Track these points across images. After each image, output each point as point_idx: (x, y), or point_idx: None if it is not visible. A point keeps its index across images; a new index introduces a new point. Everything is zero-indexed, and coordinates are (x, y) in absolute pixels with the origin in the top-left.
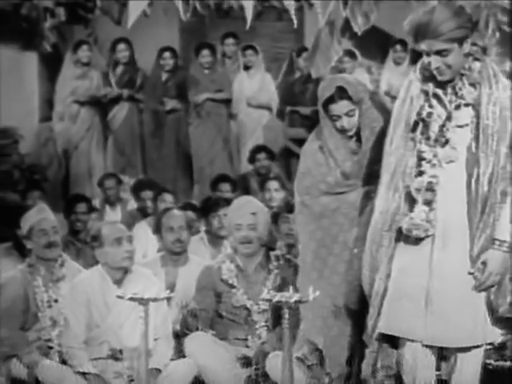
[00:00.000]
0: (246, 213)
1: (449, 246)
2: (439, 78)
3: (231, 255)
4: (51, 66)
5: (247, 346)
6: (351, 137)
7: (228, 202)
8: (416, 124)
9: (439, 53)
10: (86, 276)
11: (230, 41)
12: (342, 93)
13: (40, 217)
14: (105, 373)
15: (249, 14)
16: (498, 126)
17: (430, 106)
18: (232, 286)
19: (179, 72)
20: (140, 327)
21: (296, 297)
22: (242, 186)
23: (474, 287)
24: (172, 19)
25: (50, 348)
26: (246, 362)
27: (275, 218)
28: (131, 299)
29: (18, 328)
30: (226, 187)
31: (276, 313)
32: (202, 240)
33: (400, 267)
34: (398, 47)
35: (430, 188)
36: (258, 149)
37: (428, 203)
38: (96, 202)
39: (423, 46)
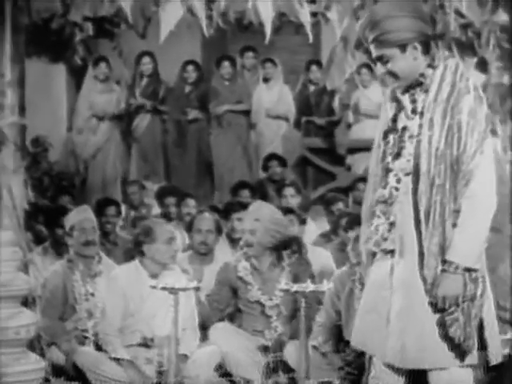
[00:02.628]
0: (250, 218)
1: (404, 261)
2: (383, 86)
3: (246, 254)
4: (78, 78)
5: (265, 337)
6: None
7: (243, 206)
8: (386, 134)
9: (380, 59)
10: (124, 269)
11: (250, 54)
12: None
13: (81, 216)
14: (136, 359)
15: (268, 29)
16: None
17: (395, 116)
18: (247, 283)
19: (201, 84)
20: (170, 315)
21: (312, 287)
22: (260, 193)
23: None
24: (195, 34)
25: (86, 338)
26: (265, 350)
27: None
28: (163, 289)
29: (57, 318)
30: (245, 193)
31: (291, 306)
32: (225, 241)
33: (371, 280)
34: None
35: (386, 201)
36: (270, 157)
37: (385, 216)
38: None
39: (372, 52)
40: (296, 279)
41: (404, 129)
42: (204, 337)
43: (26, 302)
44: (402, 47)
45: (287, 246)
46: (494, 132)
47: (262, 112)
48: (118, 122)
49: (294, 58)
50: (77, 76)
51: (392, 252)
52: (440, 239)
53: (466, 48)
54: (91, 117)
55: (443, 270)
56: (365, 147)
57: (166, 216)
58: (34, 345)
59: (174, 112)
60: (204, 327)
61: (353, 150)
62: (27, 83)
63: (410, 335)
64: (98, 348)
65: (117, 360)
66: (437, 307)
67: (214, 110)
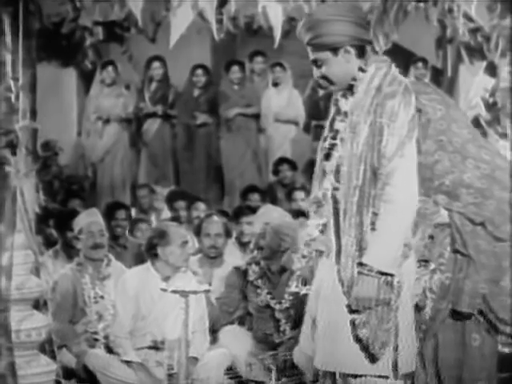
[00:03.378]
0: (260, 222)
1: (329, 262)
2: (321, 89)
3: (256, 258)
4: (89, 82)
5: (275, 340)
6: None
7: (253, 210)
8: (325, 137)
9: (315, 62)
10: (135, 272)
11: (259, 59)
12: None
13: (89, 220)
14: (147, 362)
15: (277, 33)
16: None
17: (333, 118)
18: (257, 287)
19: (210, 88)
20: (181, 318)
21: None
22: (269, 196)
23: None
24: (204, 38)
25: (96, 340)
26: (275, 353)
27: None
28: (173, 291)
29: (67, 321)
30: (254, 197)
31: (300, 309)
32: (235, 244)
33: (315, 282)
34: (420, 64)
35: (319, 201)
36: (281, 160)
37: (318, 217)
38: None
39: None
40: (306, 282)
41: (337, 131)
42: (214, 340)
43: (38, 304)
44: (334, 51)
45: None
46: (503, 135)
47: (271, 116)
48: (127, 126)
49: (303, 63)
50: (87, 80)
51: (322, 253)
52: (357, 241)
53: (475, 52)
54: (97, 120)
55: (359, 273)
56: None
57: (176, 220)
58: (45, 347)
59: (183, 116)
60: (214, 330)
61: None
62: (38, 87)
63: (328, 338)
64: (109, 350)
65: (127, 362)
66: (351, 309)
67: (224, 113)
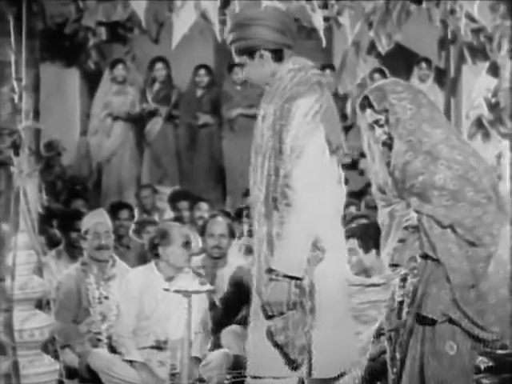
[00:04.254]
0: None
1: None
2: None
3: None
4: (92, 83)
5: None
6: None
7: None
8: None
9: (240, 65)
10: (139, 272)
11: None
12: (367, 101)
13: (96, 220)
14: (150, 361)
15: None
16: (266, 141)
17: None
18: None
19: (213, 88)
20: (184, 318)
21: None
22: None
23: None
24: (207, 39)
25: (99, 340)
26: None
27: None
28: (176, 291)
29: (71, 321)
30: None
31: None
32: (237, 245)
33: None
34: (423, 65)
35: (252, 203)
36: None
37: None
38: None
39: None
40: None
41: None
42: (216, 340)
43: (41, 304)
44: (251, 54)
45: None
46: (505, 135)
47: None
48: (133, 125)
49: None
50: (90, 80)
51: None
52: (268, 247)
53: (478, 52)
54: (106, 117)
55: (269, 278)
56: None
57: (179, 220)
58: (48, 347)
59: (186, 116)
60: (216, 330)
61: (365, 154)
62: (41, 88)
63: (252, 343)
64: (112, 350)
65: (130, 362)
66: (267, 315)
67: (226, 114)
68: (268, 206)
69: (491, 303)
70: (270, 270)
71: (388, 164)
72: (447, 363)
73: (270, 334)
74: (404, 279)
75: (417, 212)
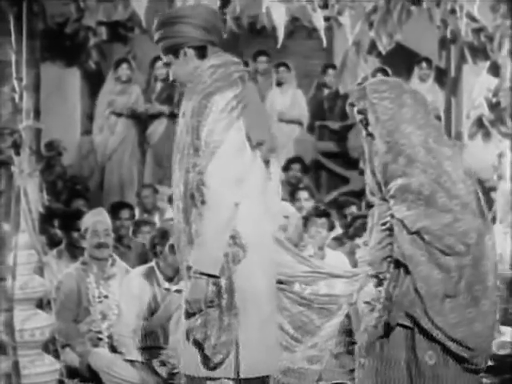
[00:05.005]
0: (279, 214)
1: None
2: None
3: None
4: (92, 82)
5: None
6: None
7: None
8: None
9: (166, 65)
10: (140, 271)
11: (262, 58)
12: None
13: (95, 219)
14: (150, 361)
15: (280, 33)
16: (184, 137)
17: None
18: None
19: None
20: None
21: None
22: None
23: None
24: None
25: (100, 339)
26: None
27: (305, 221)
28: (177, 291)
29: (71, 320)
30: None
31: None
32: None
33: None
34: (424, 64)
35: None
36: (295, 159)
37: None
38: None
39: None
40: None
41: (180, 131)
42: None
43: (41, 304)
44: (175, 53)
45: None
46: (506, 135)
47: (275, 116)
48: (135, 123)
49: (306, 63)
50: (91, 80)
51: None
52: (188, 244)
53: (479, 52)
54: (110, 115)
55: (188, 276)
56: None
57: None
58: (49, 347)
59: None
60: None
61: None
62: (42, 87)
63: (182, 341)
64: (113, 350)
65: (131, 362)
66: (188, 313)
67: None
68: (186, 203)
69: (469, 316)
70: (188, 268)
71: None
72: (429, 374)
73: (189, 332)
74: (380, 283)
75: (391, 216)
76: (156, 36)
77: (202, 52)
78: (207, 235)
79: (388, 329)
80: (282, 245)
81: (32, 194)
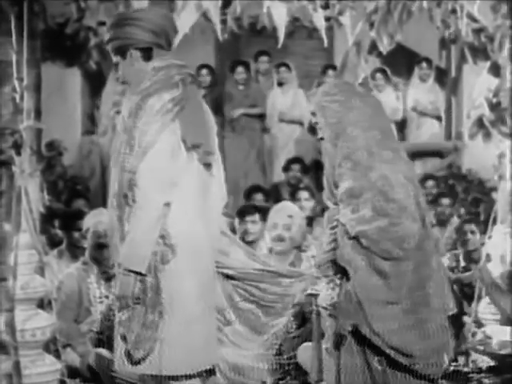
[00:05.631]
0: (283, 214)
1: None
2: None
3: (266, 255)
4: (93, 83)
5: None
6: None
7: (258, 210)
8: None
9: (116, 65)
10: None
11: (264, 58)
12: None
13: (96, 219)
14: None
15: (281, 33)
16: (122, 137)
17: None
18: None
19: (215, 88)
20: None
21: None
22: (274, 196)
23: None
24: (208, 38)
25: (100, 340)
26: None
27: (309, 221)
28: None
29: (72, 320)
30: (258, 197)
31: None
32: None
33: None
34: (424, 65)
35: None
36: (295, 160)
37: None
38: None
39: None
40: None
41: None
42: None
43: (42, 304)
44: (122, 54)
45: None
46: (506, 135)
47: (276, 116)
48: None
49: (307, 63)
50: (91, 80)
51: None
52: (120, 241)
53: (479, 52)
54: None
55: (117, 272)
56: None
57: None
58: (50, 347)
59: None
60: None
61: None
62: (43, 88)
63: None
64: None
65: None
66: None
67: (229, 114)
68: (120, 201)
69: (407, 323)
70: (118, 265)
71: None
72: (380, 380)
73: (117, 326)
74: (333, 288)
75: (335, 220)
76: (106, 36)
77: (147, 54)
78: (135, 233)
79: (340, 336)
80: (234, 241)
81: (33, 193)
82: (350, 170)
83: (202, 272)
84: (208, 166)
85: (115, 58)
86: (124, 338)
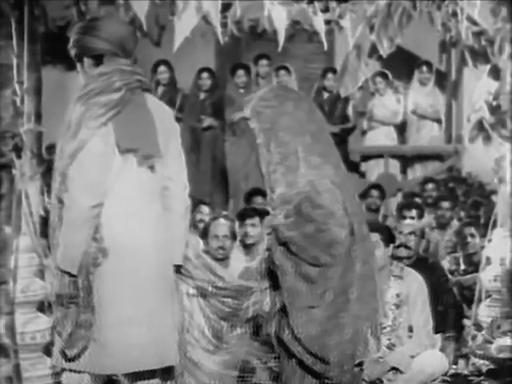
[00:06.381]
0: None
1: None
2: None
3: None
4: None
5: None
6: None
7: (258, 213)
8: None
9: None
10: None
11: (264, 62)
12: None
13: None
14: None
15: (281, 37)
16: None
17: None
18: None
19: (216, 91)
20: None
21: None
22: None
23: None
24: (209, 41)
25: None
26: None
27: None
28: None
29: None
30: (259, 200)
31: None
32: (239, 247)
33: None
34: (424, 68)
35: None
36: None
37: None
38: None
39: None
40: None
41: None
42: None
43: (42, 307)
44: (80, 60)
45: None
46: (506, 138)
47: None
48: None
49: (307, 66)
50: None
51: None
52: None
53: (479, 55)
54: None
55: (54, 271)
56: (378, 154)
57: None
58: (50, 349)
59: (189, 119)
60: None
61: (366, 157)
62: (43, 91)
63: None
64: None
65: None
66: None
67: (229, 117)
68: (54, 204)
69: (327, 328)
70: (56, 265)
71: None
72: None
73: (55, 323)
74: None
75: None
76: (69, 45)
77: (98, 61)
78: (65, 235)
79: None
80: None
81: (33, 196)
82: (282, 175)
83: (140, 275)
84: (152, 168)
85: (77, 65)
86: (60, 335)
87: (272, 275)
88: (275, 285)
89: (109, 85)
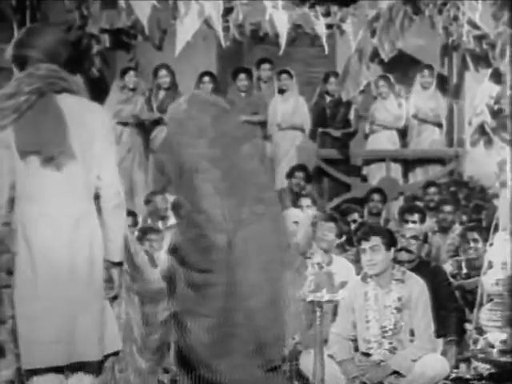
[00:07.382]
0: (289, 220)
1: None
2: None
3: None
4: (95, 90)
5: None
6: None
7: None
8: None
9: None
10: None
11: (266, 66)
12: None
13: None
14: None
15: (283, 40)
16: None
17: None
18: None
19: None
20: None
21: (327, 297)
22: None
23: None
24: (211, 45)
25: None
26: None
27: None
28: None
29: None
30: None
31: (309, 316)
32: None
33: None
34: (426, 72)
35: None
36: (299, 167)
37: None
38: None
39: None
40: (317, 288)
41: None
42: None
43: None
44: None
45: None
46: (507, 141)
47: (277, 123)
48: (140, 131)
49: (308, 70)
50: (94, 87)
51: None
52: None
53: (481, 59)
54: (115, 124)
55: None
56: (380, 158)
57: None
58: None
59: None
60: None
61: (368, 161)
62: None
63: None
64: None
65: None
66: None
67: None
68: None
69: (218, 338)
70: None
71: None
72: None
73: None
74: None
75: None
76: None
77: (22, 67)
78: None
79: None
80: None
81: None
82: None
83: (54, 272)
84: (59, 169)
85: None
86: None
87: (170, 281)
88: (172, 291)
89: (15, 89)
